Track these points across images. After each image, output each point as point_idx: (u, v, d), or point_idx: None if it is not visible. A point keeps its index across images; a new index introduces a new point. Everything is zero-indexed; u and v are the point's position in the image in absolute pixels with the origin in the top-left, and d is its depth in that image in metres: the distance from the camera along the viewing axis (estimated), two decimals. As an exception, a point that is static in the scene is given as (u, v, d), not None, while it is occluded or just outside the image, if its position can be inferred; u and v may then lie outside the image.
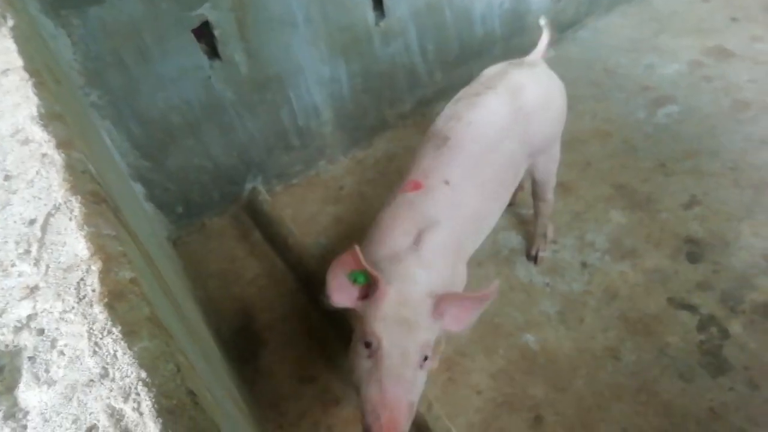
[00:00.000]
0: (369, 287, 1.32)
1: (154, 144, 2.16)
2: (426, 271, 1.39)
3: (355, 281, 1.31)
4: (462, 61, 2.93)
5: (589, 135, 2.73)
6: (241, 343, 2.10)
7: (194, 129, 2.23)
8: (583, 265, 2.19)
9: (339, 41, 2.40)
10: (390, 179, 2.65)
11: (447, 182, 1.58)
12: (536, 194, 2.07)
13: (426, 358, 1.27)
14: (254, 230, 2.50)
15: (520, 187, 2.24)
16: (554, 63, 3.13)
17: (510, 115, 1.70)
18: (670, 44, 3.22)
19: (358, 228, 2.43)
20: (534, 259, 2.20)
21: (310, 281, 2.20)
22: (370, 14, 2.44)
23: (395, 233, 1.48)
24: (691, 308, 2.00)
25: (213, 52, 2.12)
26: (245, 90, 2.26)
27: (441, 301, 1.28)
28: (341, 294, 1.31)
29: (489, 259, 2.25)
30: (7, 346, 0.75)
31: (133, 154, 2.12)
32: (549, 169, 1.98)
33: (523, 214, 2.34)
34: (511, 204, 2.40)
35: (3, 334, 0.76)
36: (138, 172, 2.18)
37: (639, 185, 2.45)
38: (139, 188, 2.19)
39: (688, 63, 3.05)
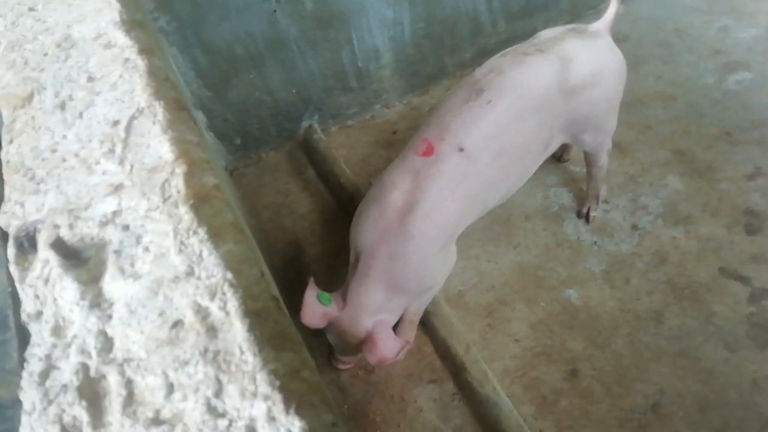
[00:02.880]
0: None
1: (218, 74, 2.20)
2: (385, 290, 1.58)
3: (322, 302, 1.58)
4: (527, 12, 2.83)
5: (652, 97, 2.62)
6: (291, 274, 2.17)
7: (257, 63, 2.25)
8: (634, 227, 2.16)
9: (405, -18, 2.36)
10: (444, 127, 2.64)
11: (462, 149, 1.52)
12: (587, 160, 2.03)
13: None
14: (308, 167, 2.54)
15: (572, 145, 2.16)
16: (622, 20, 3.05)
17: (554, 84, 1.61)
18: (749, 6, 3.00)
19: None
20: (586, 217, 2.17)
21: (359, 221, 2.24)
22: (438, -43, 2.37)
23: (387, 210, 1.54)
24: (743, 279, 1.96)
25: (280, -14, 2.12)
26: (309, 27, 2.25)
27: (372, 333, 1.52)
28: (312, 317, 1.56)
29: (537, 214, 2.24)
30: (92, 239, 0.76)
31: (196, 83, 2.17)
32: (599, 142, 1.90)
33: (577, 172, 2.30)
34: (565, 161, 2.36)
35: (88, 227, 0.77)
36: (200, 101, 2.22)
37: (701, 152, 2.36)
38: (201, 117, 2.25)
39: (766, 28, 2.88)
